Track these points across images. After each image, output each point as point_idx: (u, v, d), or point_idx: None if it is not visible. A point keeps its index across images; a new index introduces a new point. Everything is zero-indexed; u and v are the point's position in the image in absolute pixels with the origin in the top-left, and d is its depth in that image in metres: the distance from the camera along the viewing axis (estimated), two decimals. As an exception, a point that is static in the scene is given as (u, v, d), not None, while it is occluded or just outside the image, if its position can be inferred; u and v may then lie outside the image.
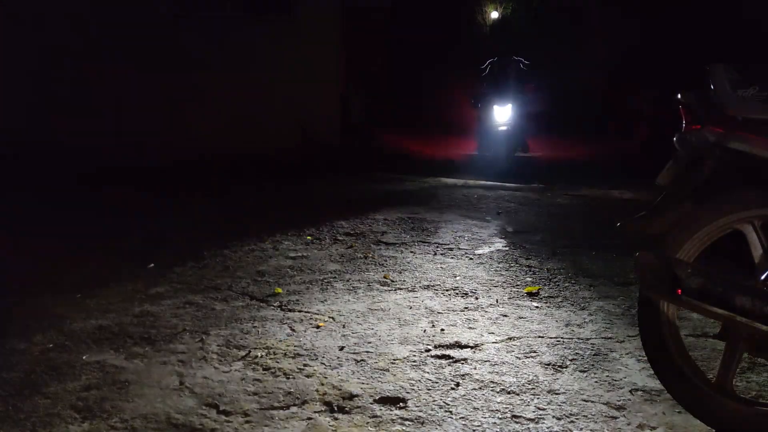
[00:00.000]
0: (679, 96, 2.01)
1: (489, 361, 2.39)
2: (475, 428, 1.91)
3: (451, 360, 2.39)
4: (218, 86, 8.26)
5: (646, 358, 2.06)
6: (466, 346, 2.52)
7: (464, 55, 14.72)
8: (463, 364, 2.36)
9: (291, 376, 2.22)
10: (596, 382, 2.24)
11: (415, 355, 2.42)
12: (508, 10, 11.94)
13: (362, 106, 10.80)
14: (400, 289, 3.24)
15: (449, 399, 2.08)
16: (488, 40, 12.75)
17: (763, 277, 1.80)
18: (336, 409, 2.01)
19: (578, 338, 2.63)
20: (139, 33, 7.96)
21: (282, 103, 8.42)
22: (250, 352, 2.43)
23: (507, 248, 4.12)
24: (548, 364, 2.37)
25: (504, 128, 8.82)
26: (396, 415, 1.98)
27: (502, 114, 8.87)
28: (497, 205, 5.66)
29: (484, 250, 4.06)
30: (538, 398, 2.11)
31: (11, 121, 7.53)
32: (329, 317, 2.82)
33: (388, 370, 2.29)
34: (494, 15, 12.04)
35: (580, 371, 2.32)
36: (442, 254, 3.93)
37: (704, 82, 1.94)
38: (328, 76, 8.69)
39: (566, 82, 12.61)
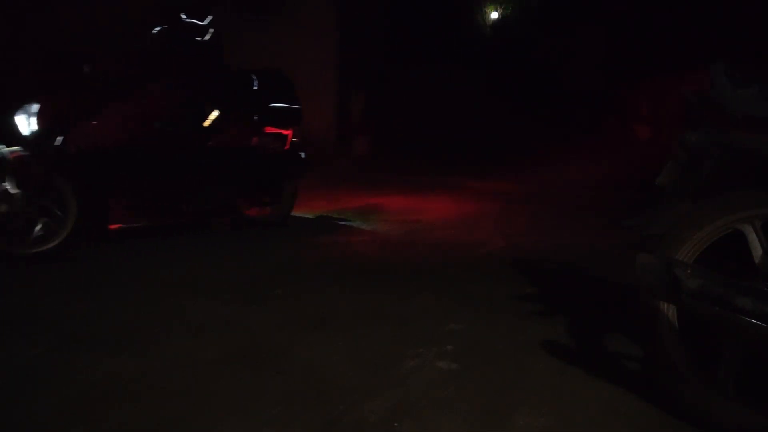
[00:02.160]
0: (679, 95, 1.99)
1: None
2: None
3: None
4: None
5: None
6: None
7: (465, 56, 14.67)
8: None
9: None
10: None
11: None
12: (508, 11, 11.90)
13: (362, 107, 10.77)
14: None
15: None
16: (488, 40, 12.68)
17: (763, 277, 1.78)
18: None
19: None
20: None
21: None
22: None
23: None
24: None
25: None
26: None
27: None
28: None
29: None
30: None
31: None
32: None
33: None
34: (494, 15, 12.00)
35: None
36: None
37: (704, 81, 1.93)
38: (328, 78, 8.67)
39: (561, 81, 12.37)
